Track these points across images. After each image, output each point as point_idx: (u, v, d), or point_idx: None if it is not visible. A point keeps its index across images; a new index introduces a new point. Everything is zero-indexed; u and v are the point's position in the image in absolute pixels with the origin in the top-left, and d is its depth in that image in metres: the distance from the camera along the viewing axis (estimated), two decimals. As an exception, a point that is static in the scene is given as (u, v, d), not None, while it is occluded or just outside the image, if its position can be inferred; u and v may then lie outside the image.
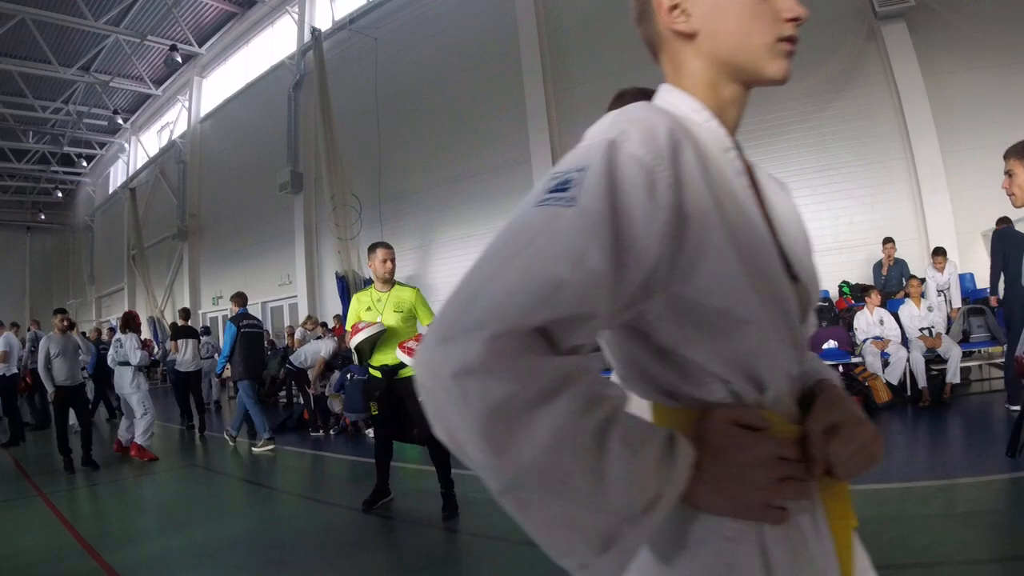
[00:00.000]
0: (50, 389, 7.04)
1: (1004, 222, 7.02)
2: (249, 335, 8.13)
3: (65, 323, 7.46)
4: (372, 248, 4.57)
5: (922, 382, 6.98)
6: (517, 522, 0.64)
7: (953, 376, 7.02)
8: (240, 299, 8.47)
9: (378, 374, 4.44)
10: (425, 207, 13.25)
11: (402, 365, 4.33)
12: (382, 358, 4.43)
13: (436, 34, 13.40)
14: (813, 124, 10.02)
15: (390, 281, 4.51)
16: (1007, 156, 2.38)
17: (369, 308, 4.42)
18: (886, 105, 9.76)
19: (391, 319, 4.36)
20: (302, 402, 9.50)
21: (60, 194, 27.86)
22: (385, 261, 4.48)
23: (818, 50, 9.98)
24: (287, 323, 15.87)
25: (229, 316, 8.46)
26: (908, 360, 7.16)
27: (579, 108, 11.60)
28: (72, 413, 7.48)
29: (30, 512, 5.46)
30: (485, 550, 3.80)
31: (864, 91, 9.92)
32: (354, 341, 4.31)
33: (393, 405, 4.41)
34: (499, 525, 4.15)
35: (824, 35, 10.00)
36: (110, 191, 27.01)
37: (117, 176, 26.60)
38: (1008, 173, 2.36)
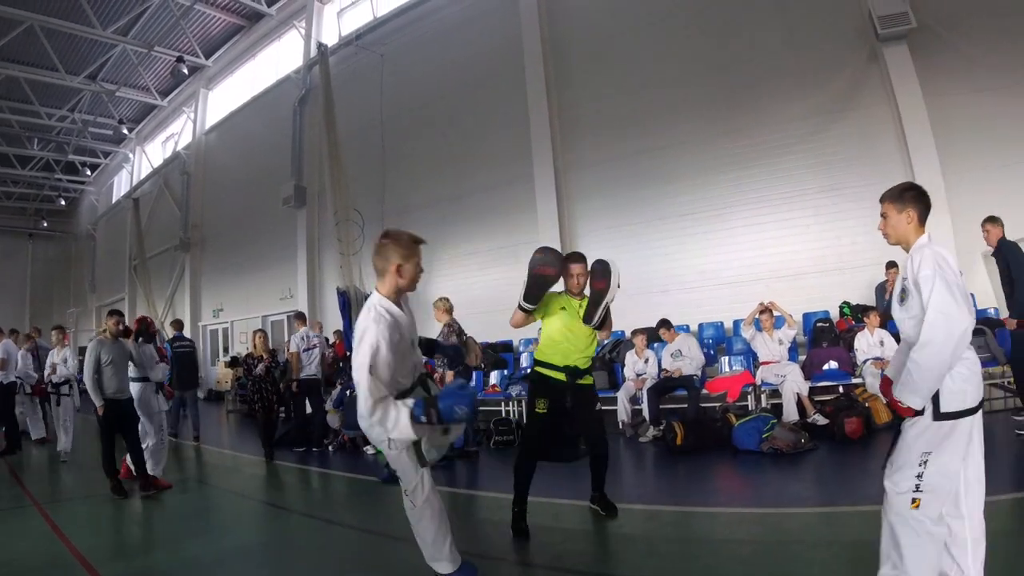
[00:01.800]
0: (98, 403, 6.13)
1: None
2: (180, 354, 10.07)
3: (120, 327, 6.56)
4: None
5: (923, 403, 6.89)
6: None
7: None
8: (177, 324, 10.98)
9: (560, 376, 4.21)
10: (428, 223, 13.19)
11: (587, 371, 4.30)
12: (567, 358, 4.22)
13: (441, 51, 13.51)
14: (815, 145, 10.03)
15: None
16: (882, 200, 2.68)
17: (564, 308, 4.30)
18: (888, 126, 9.76)
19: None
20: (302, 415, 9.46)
21: (63, 202, 27.87)
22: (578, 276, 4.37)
23: (820, 71, 10.11)
24: (287, 337, 15.81)
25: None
26: (908, 382, 7.12)
27: (582, 127, 11.71)
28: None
29: (24, 522, 5.42)
30: (489, 572, 3.73)
31: (866, 112, 9.94)
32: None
33: (561, 413, 4.21)
34: (498, 545, 4.15)
35: (826, 56, 10.13)
36: (113, 200, 27.06)
37: (121, 185, 26.66)
38: (883, 215, 2.65)
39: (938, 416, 2.35)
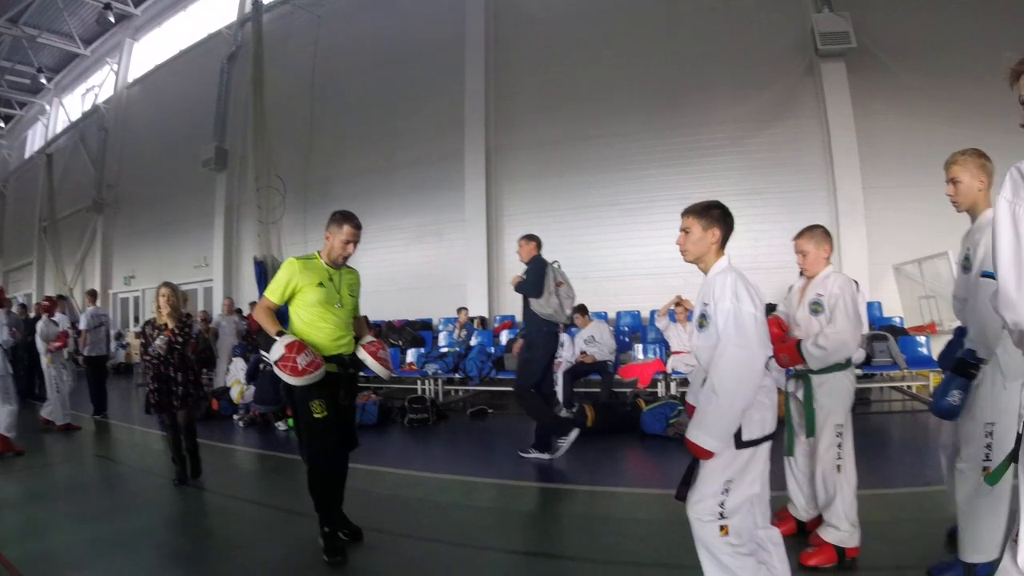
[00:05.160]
0: None
1: None
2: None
3: None
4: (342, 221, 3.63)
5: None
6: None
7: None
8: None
9: (331, 367, 3.47)
10: (353, 195, 12.75)
11: (352, 356, 3.62)
12: (338, 344, 3.53)
13: (381, 18, 13.10)
14: (744, 148, 10.25)
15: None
16: (685, 214, 2.50)
17: (321, 284, 3.50)
18: (815, 138, 10.08)
19: (348, 304, 3.64)
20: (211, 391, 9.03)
21: (-29, 155, 26.04)
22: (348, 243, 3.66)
23: (757, 79, 10.33)
24: (201, 308, 15.08)
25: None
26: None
27: (518, 108, 11.55)
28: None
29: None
30: (395, 549, 3.63)
31: (796, 123, 10.21)
32: (298, 380, 3.29)
33: (339, 409, 3.57)
34: (403, 521, 4.06)
35: (765, 65, 10.34)
36: (26, 155, 25.34)
37: (35, 140, 25.00)
38: (684, 230, 2.50)
39: (740, 445, 2.28)
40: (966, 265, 2.77)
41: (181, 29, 17.63)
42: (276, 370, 3.28)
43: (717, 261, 2.43)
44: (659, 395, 7.83)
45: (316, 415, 3.40)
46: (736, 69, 10.41)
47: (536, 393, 5.59)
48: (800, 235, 3.38)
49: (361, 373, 3.71)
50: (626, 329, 9.94)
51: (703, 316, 2.36)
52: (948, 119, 9.40)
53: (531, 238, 5.64)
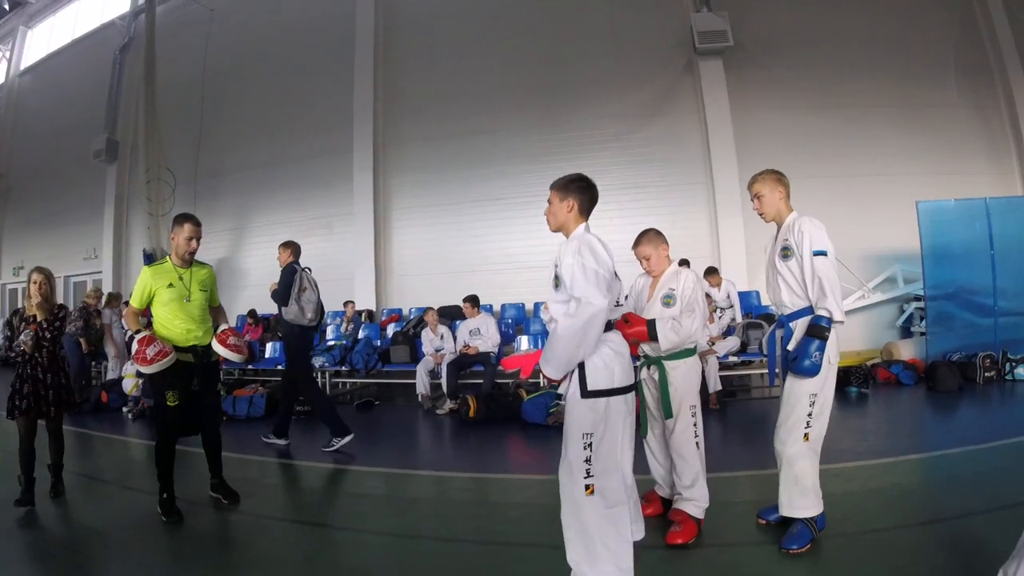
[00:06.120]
0: None
1: None
2: None
3: None
4: (182, 221, 4.18)
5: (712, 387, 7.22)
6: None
7: (715, 385, 7.27)
8: None
9: (187, 357, 4.06)
10: (242, 188, 12.67)
11: (209, 344, 4.20)
12: (188, 337, 4.08)
13: (273, 12, 13.00)
14: (625, 144, 10.54)
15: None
16: (550, 187, 2.76)
17: (171, 285, 4.06)
18: (694, 133, 10.42)
19: (199, 298, 4.15)
20: (100, 383, 8.84)
21: None
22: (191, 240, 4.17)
23: (639, 75, 10.66)
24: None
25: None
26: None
27: (406, 103, 11.64)
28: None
29: None
30: (283, 534, 3.81)
31: (676, 118, 10.53)
32: (149, 369, 3.87)
33: (192, 394, 4.10)
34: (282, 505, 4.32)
35: (644, 62, 10.67)
36: (-85, 144, 23.87)
37: (-76, 128, 23.60)
38: (548, 202, 2.77)
39: (586, 394, 2.44)
40: (786, 255, 3.20)
41: (75, 18, 17.02)
42: (134, 363, 3.96)
43: (575, 228, 2.64)
44: (541, 385, 7.80)
45: (169, 403, 3.96)
46: (618, 67, 10.73)
47: (311, 385, 6.18)
48: (638, 243, 3.60)
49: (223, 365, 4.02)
50: (510, 321, 10.09)
51: (556, 277, 2.56)
52: (815, 108, 10.04)
53: (288, 245, 6.04)
